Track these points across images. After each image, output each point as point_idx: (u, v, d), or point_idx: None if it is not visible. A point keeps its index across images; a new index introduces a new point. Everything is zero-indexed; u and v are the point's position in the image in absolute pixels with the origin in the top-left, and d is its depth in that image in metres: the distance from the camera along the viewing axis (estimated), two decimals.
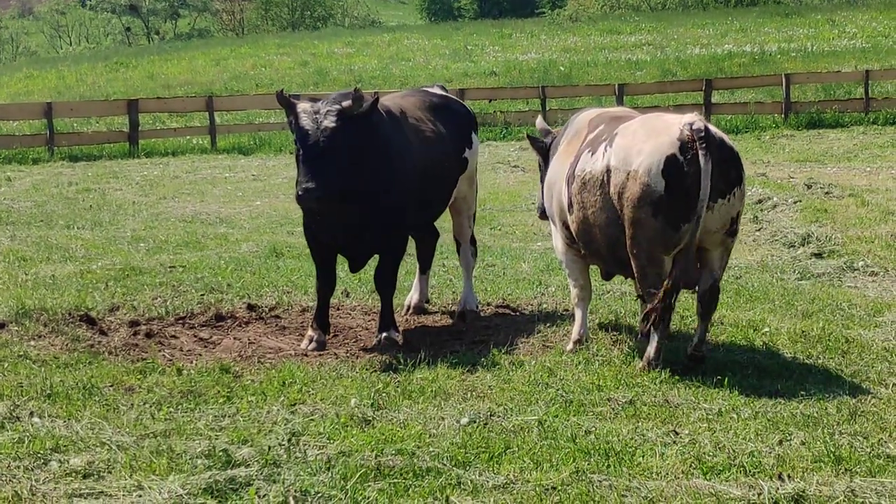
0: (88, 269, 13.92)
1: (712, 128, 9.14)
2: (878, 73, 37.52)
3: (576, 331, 10.39)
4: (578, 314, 10.45)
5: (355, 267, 11.17)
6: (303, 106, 10.02)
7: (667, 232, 9.08)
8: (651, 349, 9.39)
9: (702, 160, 8.87)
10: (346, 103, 9.99)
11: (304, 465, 7.06)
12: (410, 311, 12.14)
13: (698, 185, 8.89)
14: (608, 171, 9.38)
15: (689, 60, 50.01)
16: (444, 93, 12.39)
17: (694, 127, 8.99)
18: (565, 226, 10.20)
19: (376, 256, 11.11)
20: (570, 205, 9.93)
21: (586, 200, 9.65)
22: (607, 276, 10.88)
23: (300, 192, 9.73)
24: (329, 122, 9.87)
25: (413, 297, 12.25)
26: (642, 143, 9.21)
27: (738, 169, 9.29)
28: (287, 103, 10.12)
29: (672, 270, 9.20)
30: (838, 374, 9.21)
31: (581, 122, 10.56)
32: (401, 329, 11.08)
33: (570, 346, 10.31)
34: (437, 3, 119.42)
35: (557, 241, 10.62)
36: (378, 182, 10.32)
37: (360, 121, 10.03)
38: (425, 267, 12.22)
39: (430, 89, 12.44)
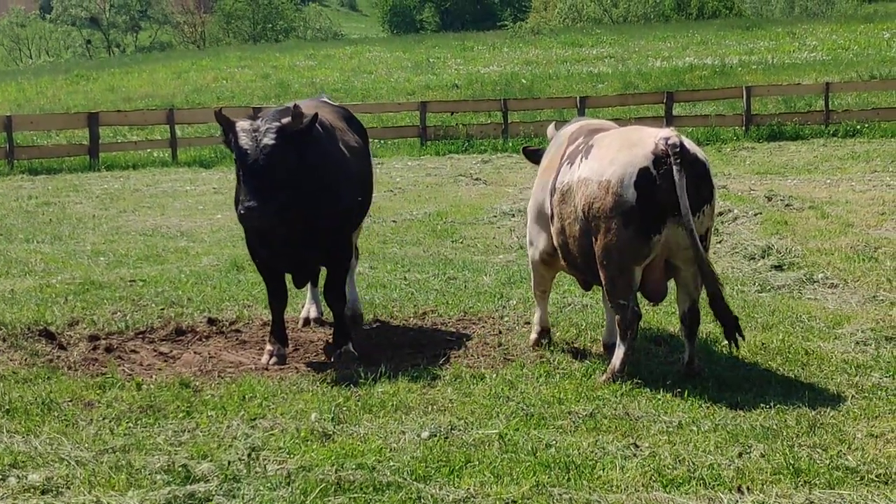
0: (48, 283, 13.85)
1: (688, 143, 9.17)
2: (839, 85, 37.74)
3: (537, 319, 10.82)
4: (540, 307, 10.86)
5: (300, 282, 11.17)
6: (242, 125, 9.95)
7: (637, 243, 9.11)
8: (616, 360, 9.42)
9: (676, 175, 8.91)
10: (285, 120, 9.95)
11: (263, 479, 7.04)
12: (301, 323, 12.19)
13: (670, 198, 8.93)
14: (582, 181, 9.43)
15: (650, 73, 50.24)
16: (333, 103, 12.56)
17: (669, 142, 9.02)
18: (549, 237, 10.26)
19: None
20: (552, 216, 9.99)
21: (564, 212, 9.71)
22: (586, 287, 10.93)
23: (242, 212, 9.69)
24: (269, 140, 9.82)
25: (309, 309, 12.30)
26: (616, 153, 9.26)
27: (710, 186, 9.34)
28: (226, 122, 10.06)
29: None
30: (798, 386, 9.24)
31: (563, 136, 10.67)
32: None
33: (533, 335, 10.71)
34: (399, 16, 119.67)
35: (534, 254, 10.67)
36: (320, 196, 10.31)
37: (299, 137, 10.01)
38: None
39: (321, 98, 12.55)
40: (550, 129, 11.47)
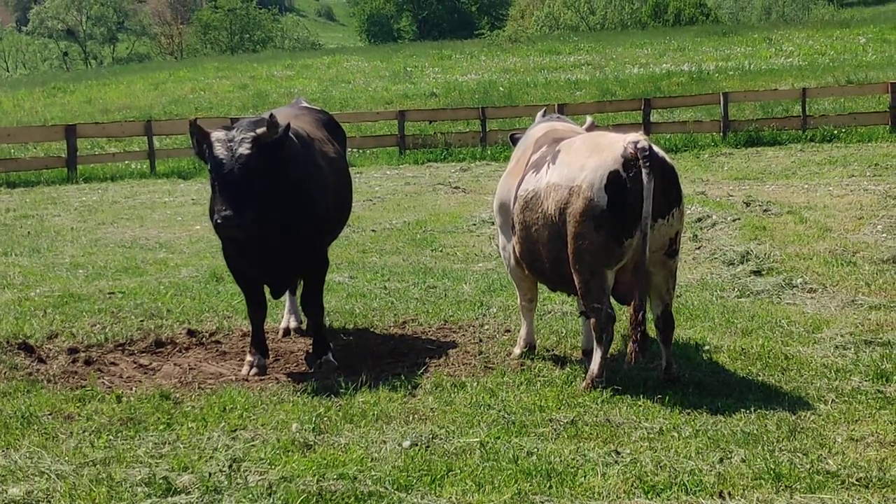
0: (26, 296, 13.81)
1: (655, 147, 9.20)
2: (815, 90, 37.72)
3: (523, 334, 10.80)
4: (526, 321, 10.83)
5: (277, 293, 11.15)
6: (216, 135, 9.95)
7: (609, 246, 9.13)
8: (595, 365, 9.42)
9: (645, 178, 8.95)
10: (259, 130, 9.96)
11: (245, 491, 7.02)
12: (281, 333, 12.20)
13: (640, 201, 8.97)
14: (551, 187, 9.45)
15: (627, 80, 50.31)
16: (311, 106, 12.61)
17: (638, 145, 9.06)
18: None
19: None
20: (513, 225, 10.03)
21: (528, 219, 9.75)
22: (553, 289, 10.93)
23: (218, 221, 9.68)
24: (244, 150, 9.82)
25: (289, 319, 12.32)
26: (585, 158, 9.29)
27: (678, 189, 9.37)
28: (200, 132, 10.06)
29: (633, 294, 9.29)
30: (778, 390, 9.25)
31: (529, 140, 10.73)
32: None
33: (517, 350, 10.69)
34: (376, 26, 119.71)
35: (508, 258, 10.68)
36: (296, 206, 10.33)
37: (274, 146, 10.00)
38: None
39: (299, 104, 12.58)
40: (539, 116, 11.54)
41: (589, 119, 11.59)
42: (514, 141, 11.50)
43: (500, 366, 10.36)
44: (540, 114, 11.66)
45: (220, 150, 9.83)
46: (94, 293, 14.02)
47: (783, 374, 9.77)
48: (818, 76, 45.60)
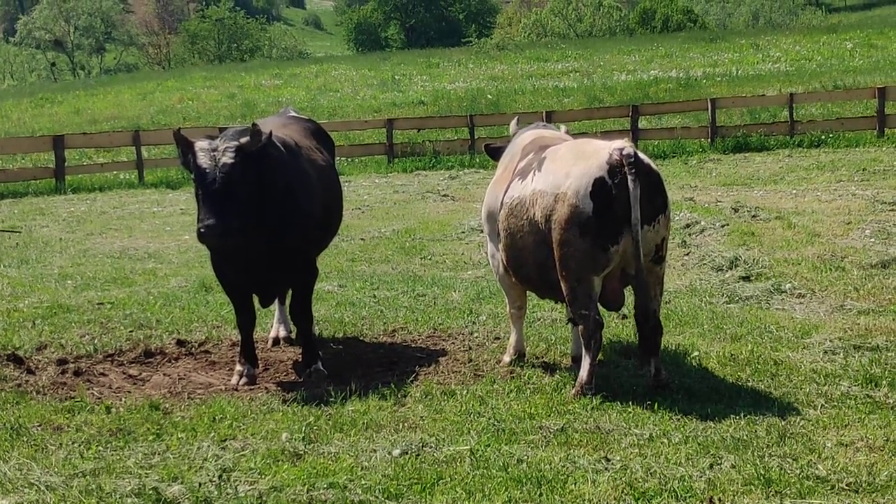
0: (15, 307, 13.78)
1: (641, 154, 9.21)
2: (802, 95, 37.77)
3: (513, 342, 10.78)
4: (515, 329, 10.80)
5: (266, 302, 11.14)
6: (200, 144, 9.94)
7: (595, 253, 9.14)
8: (584, 372, 9.42)
9: (630, 185, 8.95)
10: (243, 139, 9.94)
11: (235, 501, 7.01)
12: (271, 343, 12.19)
13: (626, 208, 8.97)
14: (537, 194, 9.46)
15: (615, 87, 50.40)
16: (299, 115, 12.64)
17: (624, 152, 9.07)
18: None
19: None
20: (498, 233, 10.04)
21: (515, 226, 9.76)
22: (542, 296, 10.93)
23: (201, 230, 9.65)
24: (227, 159, 9.81)
25: (278, 329, 12.32)
26: (571, 166, 9.30)
27: (664, 195, 9.37)
28: (185, 142, 10.06)
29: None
30: (767, 396, 9.26)
31: (517, 147, 10.73)
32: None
33: (507, 358, 10.67)
34: (364, 34, 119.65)
35: (497, 266, 10.67)
36: (281, 215, 10.31)
37: (258, 155, 10.00)
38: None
39: (288, 113, 12.59)
40: (513, 124, 11.55)
41: (563, 128, 11.58)
42: (490, 151, 11.50)
43: (490, 373, 10.36)
44: (513, 122, 11.66)
45: (203, 160, 9.83)
46: (83, 304, 13.99)
47: (772, 379, 9.77)
48: (805, 81, 45.72)
